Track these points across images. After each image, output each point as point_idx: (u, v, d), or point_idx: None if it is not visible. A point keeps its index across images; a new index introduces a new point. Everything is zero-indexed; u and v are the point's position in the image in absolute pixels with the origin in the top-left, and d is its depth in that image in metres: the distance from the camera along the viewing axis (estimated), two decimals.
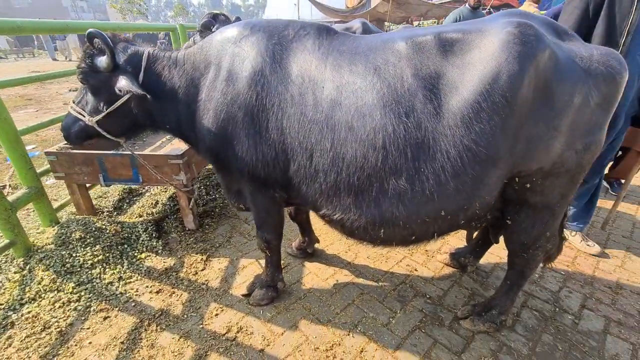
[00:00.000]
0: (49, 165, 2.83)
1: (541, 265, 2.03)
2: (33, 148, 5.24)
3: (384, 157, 1.40)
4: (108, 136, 2.04)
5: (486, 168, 1.39)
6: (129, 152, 2.72)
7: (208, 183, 3.76)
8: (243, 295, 2.29)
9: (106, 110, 1.92)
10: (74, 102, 2.10)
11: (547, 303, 2.24)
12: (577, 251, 2.79)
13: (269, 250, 2.14)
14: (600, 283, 2.43)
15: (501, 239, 1.96)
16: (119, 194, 3.55)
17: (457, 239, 2.93)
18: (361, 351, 1.90)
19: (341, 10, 23.80)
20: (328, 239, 2.91)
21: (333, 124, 1.48)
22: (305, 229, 2.62)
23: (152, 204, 3.34)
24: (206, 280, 2.45)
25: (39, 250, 2.50)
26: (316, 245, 2.73)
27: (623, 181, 3.81)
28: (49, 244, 2.54)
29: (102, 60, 1.80)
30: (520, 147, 1.40)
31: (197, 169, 3.04)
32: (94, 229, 2.68)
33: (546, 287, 2.37)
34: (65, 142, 2.24)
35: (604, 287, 2.39)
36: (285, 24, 1.74)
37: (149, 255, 2.69)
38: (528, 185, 1.54)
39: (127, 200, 3.49)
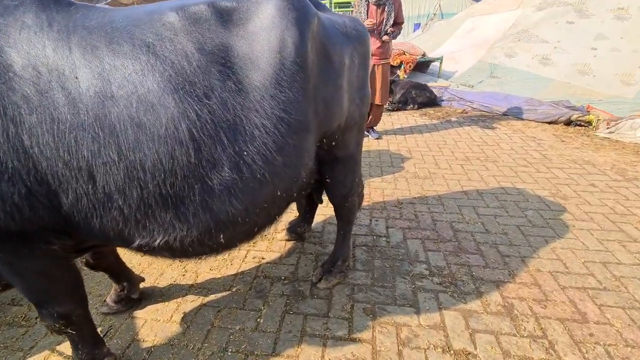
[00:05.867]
0: None
1: None
2: None
3: (196, 151, 1.17)
4: None
5: (303, 135, 1.42)
6: None
7: None
8: None
9: None
10: None
11: (367, 236, 2.72)
12: (369, 188, 3.51)
13: (73, 327, 1.49)
14: (389, 204, 3.18)
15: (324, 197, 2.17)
16: None
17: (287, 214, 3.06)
18: None
19: None
20: (154, 270, 2.38)
21: (112, 125, 1.09)
22: (119, 272, 2.01)
23: None
24: None
25: None
26: (142, 284, 2.17)
27: (375, 128, 5.07)
28: None
29: None
30: (321, 108, 1.51)
31: None
32: None
33: (362, 224, 2.87)
34: None
35: (392, 206, 3.14)
36: None
37: None
38: (334, 143, 1.71)
39: None
